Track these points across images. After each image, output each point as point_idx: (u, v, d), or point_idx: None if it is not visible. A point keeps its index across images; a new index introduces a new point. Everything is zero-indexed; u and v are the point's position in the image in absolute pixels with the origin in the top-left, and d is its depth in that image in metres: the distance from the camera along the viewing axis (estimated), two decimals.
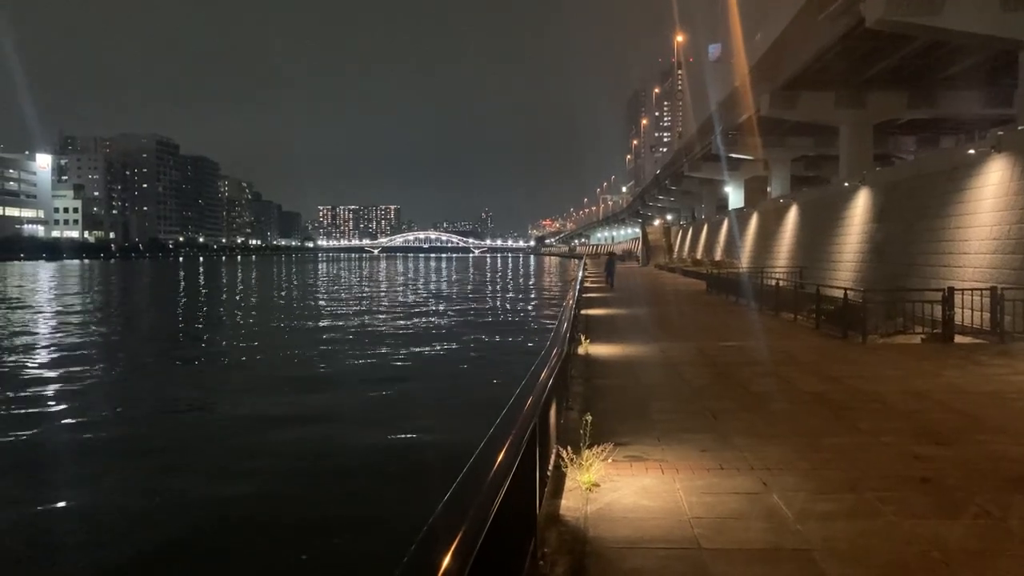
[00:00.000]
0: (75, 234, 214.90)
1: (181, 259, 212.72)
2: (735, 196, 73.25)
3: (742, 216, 58.96)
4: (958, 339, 16.13)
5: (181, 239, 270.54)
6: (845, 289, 18.79)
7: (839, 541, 5.14)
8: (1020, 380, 11.16)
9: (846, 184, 35.38)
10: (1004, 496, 6.01)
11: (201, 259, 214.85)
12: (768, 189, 62.07)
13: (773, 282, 28.12)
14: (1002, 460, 7.05)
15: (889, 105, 42.08)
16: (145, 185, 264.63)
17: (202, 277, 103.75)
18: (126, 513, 11.31)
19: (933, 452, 7.36)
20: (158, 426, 16.88)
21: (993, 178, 21.79)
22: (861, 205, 32.22)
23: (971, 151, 23.91)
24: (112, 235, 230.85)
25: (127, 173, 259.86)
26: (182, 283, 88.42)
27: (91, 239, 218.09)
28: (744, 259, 52.80)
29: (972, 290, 17.33)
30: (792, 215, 43.60)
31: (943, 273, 22.86)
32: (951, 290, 16.62)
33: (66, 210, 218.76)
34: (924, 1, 25.41)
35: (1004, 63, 31.91)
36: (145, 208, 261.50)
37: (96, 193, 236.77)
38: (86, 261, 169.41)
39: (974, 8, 25.43)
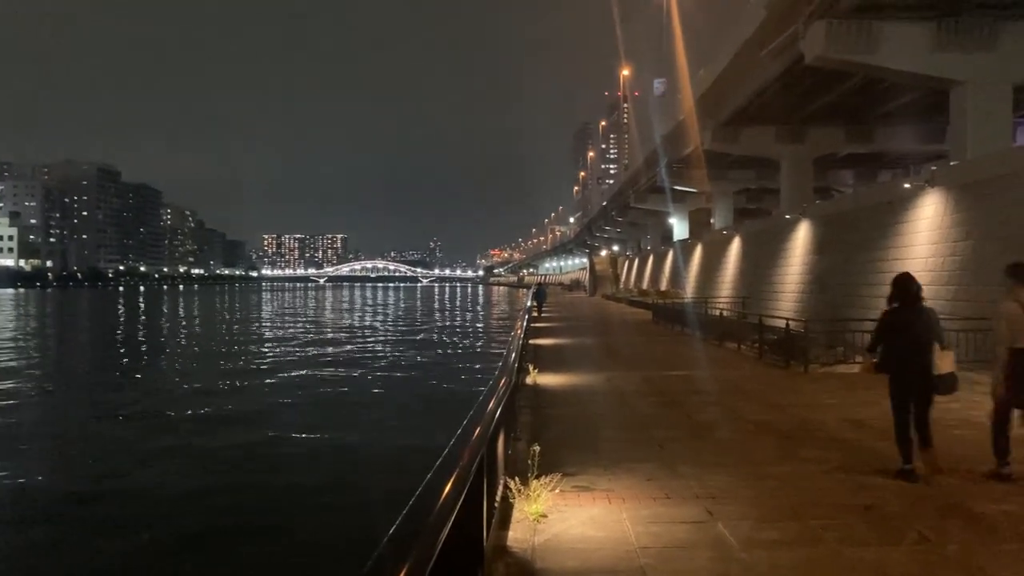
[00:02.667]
0: (10, 262, 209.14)
1: (121, 288, 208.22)
2: (680, 227, 74.37)
3: (687, 247, 59.82)
4: None
5: (121, 268, 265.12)
6: (787, 319, 19.10)
7: (784, 569, 5.19)
8: (955, 408, 11.41)
9: (787, 216, 36.15)
10: (942, 522, 6.13)
11: (142, 288, 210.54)
12: (712, 221, 63.16)
13: (717, 312, 28.53)
14: (940, 487, 7.20)
15: (828, 140, 43.28)
16: (85, 213, 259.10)
17: (128, 308, 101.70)
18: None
19: (875, 480, 7.49)
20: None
21: (927, 212, 22.47)
22: (802, 237, 32.92)
23: (907, 185, 24.64)
24: (49, 263, 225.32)
25: (66, 200, 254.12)
26: (114, 314, 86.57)
27: (27, 267, 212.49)
28: (689, 289, 53.48)
29: None
30: (735, 246, 44.36)
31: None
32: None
33: (0, 238, 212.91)
34: (861, 40, 26.28)
35: (937, 101, 33.01)
36: (84, 236, 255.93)
37: (33, 221, 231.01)
38: (21, 290, 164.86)
39: (908, 48, 26.36)
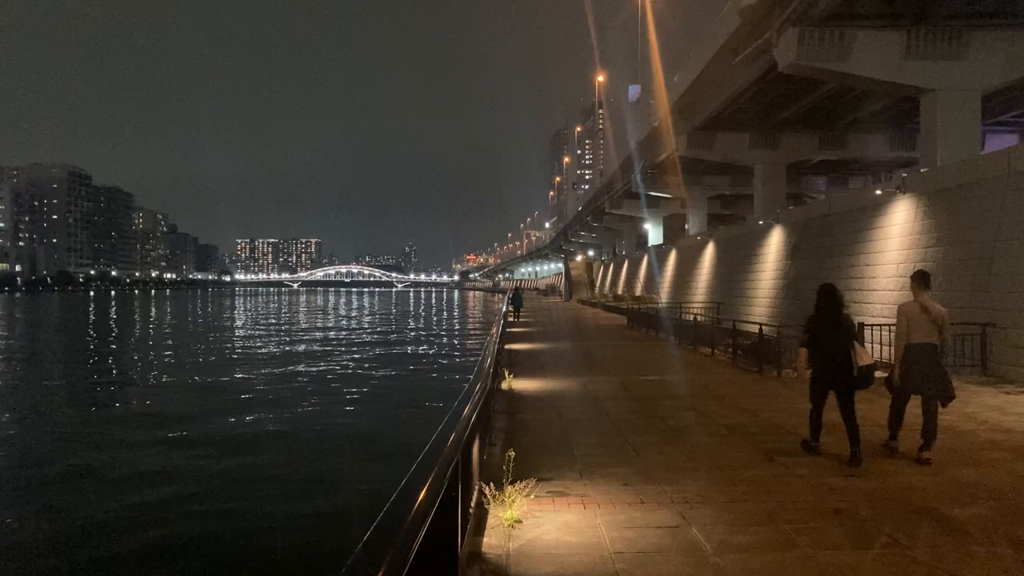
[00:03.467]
0: None
1: (91, 293, 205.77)
2: (655, 233, 74.71)
3: (661, 252, 60.08)
4: None
5: (92, 272, 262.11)
6: (760, 324, 19.23)
7: (756, 573, 5.22)
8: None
9: (760, 222, 36.40)
10: (911, 526, 6.20)
11: (112, 293, 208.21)
12: (686, 226, 63.52)
13: (691, 317, 28.64)
14: (909, 490, 7.29)
15: (801, 146, 43.68)
16: (55, 216, 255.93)
17: (99, 313, 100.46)
18: None
19: (845, 483, 7.57)
20: None
21: (898, 218, 22.73)
22: (775, 242, 33.18)
23: (878, 192, 24.93)
24: (18, 268, 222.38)
25: (36, 204, 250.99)
26: (84, 320, 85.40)
27: None
28: (663, 294, 53.74)
29: (881, 325, 17.95)
30: (709, 252, 44.62)
31: (853, 309, 23.66)
32: (860, 325, 17.16)
33: None
34: (833, 48, 26.58)
35: (908, 108, 33.49)
36: (55, 240, 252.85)
37: (1, 224, 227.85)
38: None
39: (879, 56, 26.69)
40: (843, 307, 8.94)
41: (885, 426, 9.37)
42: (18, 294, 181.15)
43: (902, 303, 9.22)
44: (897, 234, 22.67)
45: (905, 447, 8.99)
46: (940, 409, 8.73)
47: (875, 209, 24.34)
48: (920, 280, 8.96)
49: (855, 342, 8.66)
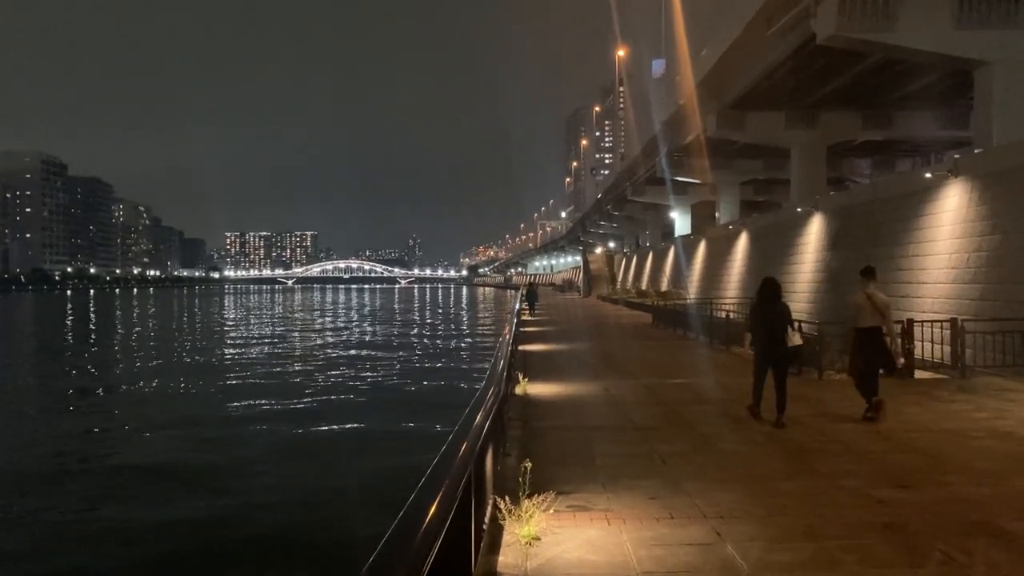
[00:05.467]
0: None
1: (69, 292, 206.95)
2: (682, 222, 74.44)
3: (689, 243, 59.91)
4: (918, 374, 16.52)
5: (69, 269, 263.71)
6: (799, 322, 19.13)
7: None
8: (981, 417, 11.50)
9: (798, 209, 36.25)
10: (968, 541, 6.16)
11: (92, 292, 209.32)
12: (716, 215, 63.29)
13: (723, 314, 28.55)
14: (965, 503, 7.24)
15: (842, 126, 43.36)
16: (28, 209, 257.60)
17: (77, 317, 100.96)
18: None
19: (895, 495, 7.52)
20: None
21: (950, 204, 22.57)
22: (814, 231, 33.04)
23: (928, 175, 24.78)
24: None
25: (7, 196, 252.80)
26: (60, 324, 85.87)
27: None
28: (692, 289, 53.59)
29: (932, 322, 17.81)
30: (742, 242, 44.47)
31: (902, 304, 23.54)
32: (910, 322, 17.05)
33: None
34: (877, 17, 26.37)
35: (960, 83, 33.17)
36: (28, 235, 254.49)
37: None
38: None
39: (928, 26, 26.46)
40: (780, 297, 11.47)
41: (859, 412, 11.38)
42: None
43: (851, 296, 11.99)
44: (949, 221, 22.52)
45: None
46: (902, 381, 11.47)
47: (924, 194, 24.19)
48: (865, 274, 11.73)
49: (789, 327, 11.16)
